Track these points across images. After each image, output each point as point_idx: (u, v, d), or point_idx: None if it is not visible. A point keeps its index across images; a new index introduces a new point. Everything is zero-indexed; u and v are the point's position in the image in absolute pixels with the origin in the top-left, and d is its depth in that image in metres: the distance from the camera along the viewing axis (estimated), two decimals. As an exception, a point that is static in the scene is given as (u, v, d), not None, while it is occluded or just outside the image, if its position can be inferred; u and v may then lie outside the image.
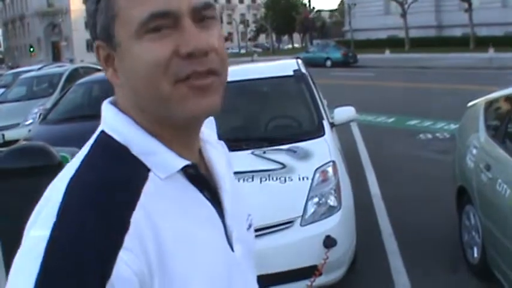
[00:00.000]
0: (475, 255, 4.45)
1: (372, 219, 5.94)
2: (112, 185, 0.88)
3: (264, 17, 78.53)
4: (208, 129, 1.11)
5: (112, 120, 0.97)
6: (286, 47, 79.93)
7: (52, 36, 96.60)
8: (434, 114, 12.24)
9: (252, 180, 4.33)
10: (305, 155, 4.60)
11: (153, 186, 0.91)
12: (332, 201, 4.21)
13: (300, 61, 6.48)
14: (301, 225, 4.05)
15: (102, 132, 0.97)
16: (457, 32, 48.25)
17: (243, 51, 76.51)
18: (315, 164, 4.47)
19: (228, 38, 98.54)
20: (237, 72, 6.83)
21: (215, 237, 0.99)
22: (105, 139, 0.95)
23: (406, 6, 46.39)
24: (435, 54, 36.42)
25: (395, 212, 6.09)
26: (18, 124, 11.45)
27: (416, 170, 7.90)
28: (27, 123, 11.46)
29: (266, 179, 4.33)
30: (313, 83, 6.05)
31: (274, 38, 78.71)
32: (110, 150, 0.94)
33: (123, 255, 0.82)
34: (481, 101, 5.18)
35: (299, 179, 4.32)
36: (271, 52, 65.55)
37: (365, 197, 6.63)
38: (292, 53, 44.94)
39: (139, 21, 0.88)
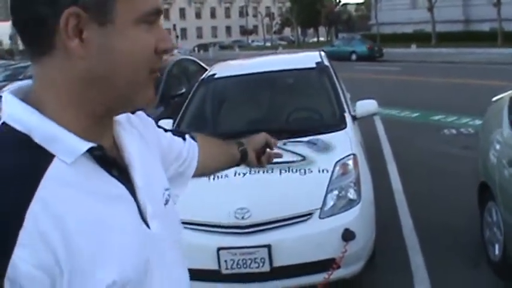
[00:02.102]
0: (497, 252, 4.39)
1: (393, 214, 5.88)
2: (4, 179, 0.87)
3: (289, 10, 78.33)
4: None
5: (13, 110, 0.94)
6: (311, 41, 79.59)
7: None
8: (459, 110, 12.07)
9: (272, 171, 4.32)
10: (325, 148, 4.58)
11: (55, 173, 0.90)
12: (352, 194, 4.18)
13: (323, 53, 6.45)
14: (320, 217, 4.02)
15: (3, 123, 0.94)
16: (485, 27, 47.52)
17: (268, 44, 76.37)
18: (335, 156, 4.45)
19: (253, 31, 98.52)
20: (259, 63, 6.83)
21: (126, 214, 1.00)
22: (7, 130, 0.93)
23: (433, 0, 45.80)
24: (462, 49, 35.89)
25: (417, 208, 6.03)
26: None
27: (440, 166, 7.81)
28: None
29: (286, 171, 4.32)
30: (336, 76, 6.01)
31: (299, 31, 78.43)
32: (10, 141, 0.92)
33: (18, 252, 0.82)
34: (505, 95, 5.10)
35: (319, 171, 4.30)
36: (296, 45, 65.36)
37: (386, 191, 6.58)
38: (317, 46, 44.65)
39: (144, 11, 0.95)
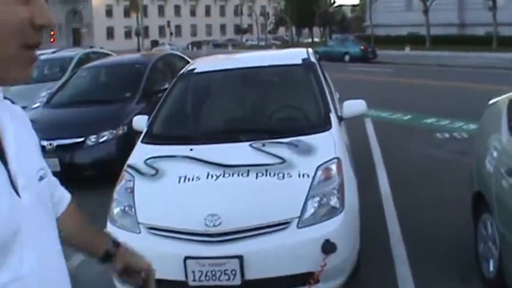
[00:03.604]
0: (491, 268, 4.01)
1: (380, 222, 5.53)
2: None
3: (284, 9, 78.04)
4: None
5: None
6: (305, 41, 79.26)
7: (73, 23, 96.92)
8: (452, 113, 11.74)
9: (247, 175, 3.95)
10: (307, 150, 4.21)
11: None
12: (334, 202, 3.81)
13: (310, 50, 6.10)
14: (298, 227, 3.66)
15: None
16: (480, 31, 47.29)
17: (262, 43, 76.02)
18: (317, 160, 4.08)
19: (248, 30, 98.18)
20: (243, 59, 6.48)
21: None
22: None
23: (428, 2, 45.55)
24: (456, 53, 35.67)
25: (406, 215, 5.67)
26: (25, 107, 11.18)
27: (431, 171, 7.45)
28: (34, 106, 11.19)
29: (263, 175, 3.95)
30: (324, 74, 5.66)
31: (294, 31, 78.14)
32: None
33: None
34: (503, 98, 4.72)
35: (299, 175, 3.93)
36: (290, 45, 64.94)
37: (374, 197, 6.23)
38: (311, 46, 44.26)
39: None
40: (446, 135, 9.94)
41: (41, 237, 1.12)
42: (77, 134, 7.71)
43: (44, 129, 8.13)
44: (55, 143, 7.58)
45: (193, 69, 5.76)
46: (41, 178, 1.19)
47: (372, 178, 7.00)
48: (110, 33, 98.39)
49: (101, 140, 7.71)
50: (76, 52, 15.39)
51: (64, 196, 1.58)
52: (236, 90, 5.61)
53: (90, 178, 7.55)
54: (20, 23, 0.95)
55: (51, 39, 68.33)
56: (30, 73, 1.03)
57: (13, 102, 1.22)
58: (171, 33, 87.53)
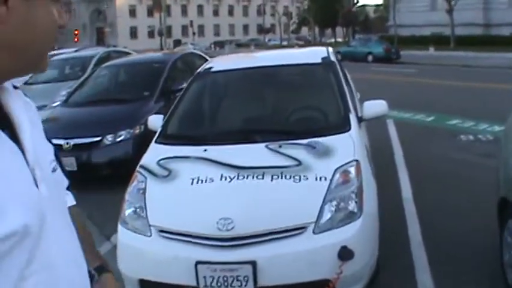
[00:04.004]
0: (517, 278, 3.83)
1: (401, 227, 5.34)
2: None
3: (307, 9, 77.73)
4: None
5: None
6: (328, 41, 78.88)
7: (97, 23, 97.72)
8: (477, 115, 11.43)
9: (262, 177, 3.81)
10: (325, 152, 4.06)
11: None
12: (352, 206, 3.65)
13: (330, 49, 5.94)
14: (314, 232, 3.51)
15: None
16: (505, 31, 46.49)
17: (284, 43, 75.77)
18: (335, 162, 3.92)
19: (271, 29, 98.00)
20: (261, 57, 6.35)
21: (20, 169, 1.04)
22: None
23: (453, 2, 44.91)
24: (481, 53, 35.04)
25: (428, 220, 5.47)
26: (45, 106, 11.20)
27: (455, 174, 7.22)
28: (54, 105, 11.20)
29: (278, 177, 3.80)
30: (344, 73, 5.50)
31: (316, 31, 77.79)
32: None
33: None
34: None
35: (316, 178, 3.78)
36: (313, 45, 64.63)
37: (395, 200, 6.04)
38: (333, 46, 43.97)
39: None
40: (471, 137, 9.66)
41: (61, 228, 1.15)
42: (94, 133, 7.65)
43: (61, 128, 8.10)
44: (72, 142, 7.53)
45: (210, 68, 5.65)
46: (54, 169, 1.21)
47: (393, 180, 6.81)
48: (133, 32, 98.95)
49: (118, 139, 7.63)
50: (97, 51, 15.38)
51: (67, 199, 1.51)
52: (253, 90, 5.48)
53: (106, 177, 7.48)
54: (56, 22, 1.09)
55: (75, 39, 69.00)
56: (48, 63, 1.14)
57: (24, 95, 1.24)
58: (194, 33, 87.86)
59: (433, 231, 5.19)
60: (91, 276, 1.44)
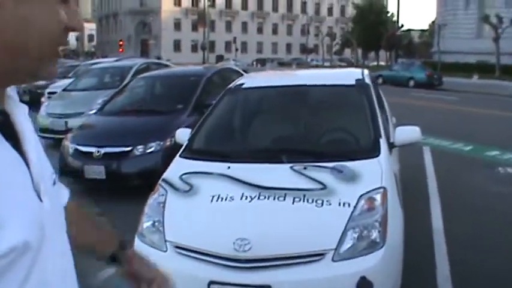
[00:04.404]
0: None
1: (429, 258, 5.13)
2: None
3: (350, 31, 77.52)
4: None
5: None
6: (371, 64, 78.44)
7: (142, 35, 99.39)
8: (517, 147, 11.10)
9: (284, 199, 3.69)
10: (352, 177, 3.91)
11: None
12: (375, 235, 3.49)
13: (366, 71, 5.80)
14: (333, 260, 3.36)
15: None
16: (554, 62, 45.43)
17: (326, 63, 75.60)
18: (361, 188, 3.78)
19: (314, 50, 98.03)
20: (294, 76, 6.24)
21: (23, 181, 1.00)
22: None
23: (499, 30, 44.16)
24: (527, 84, 34.33)
25: (458, 254, 5.24)
26: (82, 113, 11.34)
27: (490, 208, 6.93)
28: (91, 112, 11.33)
29: (300, 200, 3.67)
30: (379, 97, 5.36)
31: (360, 54, 77.44)
32: None
33: None
34: None
35: (339, 204, 3.63)
36: (355, 67, 64.23)
37: (425, 231, 5.83)
38: (375, 69, 43.68)
39: None
40: (510, 170, 9.34)
41: (58, 243, 1.11)
42: (125, 142, 7.65)
43: (93, 135, 8.15)
44: (102, 150, 7.54)
45: (242, 84, 5.57)
46: (54, 182, 1.17)
47: (424, 210, 6.59)
48: (177, 45, 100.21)
49: (148, 150, 7.60)
50: (136, 62, 15.53)
51: (62, 192, 1.44)
52: (283, 109, 5.38)
53: (134, 188, 7.45)
54: (60, 23, 0.99)
55: (120, 49, 70.21)
56: (56, 69, 1.07)
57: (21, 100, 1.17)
58: (237, 49, 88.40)
59: (462, 266, 4.96)
60: (116, 259, 1.55)
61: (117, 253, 1.55)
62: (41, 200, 1.03)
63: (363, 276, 3.26)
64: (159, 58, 54.35)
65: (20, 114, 1.09)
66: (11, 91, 1.09)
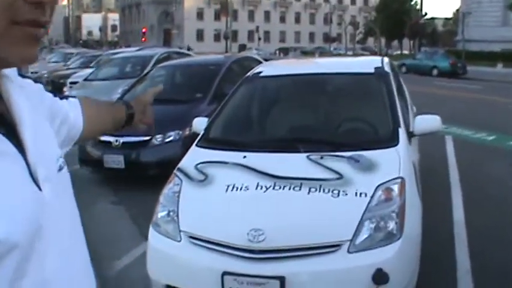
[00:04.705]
0: None
1: (448, 251, 5.03)
2: None
3: (373, 20, 76.81)
4: None
5: None
6: (395, 53, 77.69)
7: (164, 24, 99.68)
8: (542, 137, 10.87)
9: (300, 189, 3.63)
10: (369, 167, 3.83)
11: None
12: (391, 226, 3.42)
13: (386, 59, 5.69)
14: (348, 251, 3.30)
15: None
16: None
17: (349, 52, 75.07)
18: (378, 178, 3.70)
19: (337, 38, 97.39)
20: (312, 65, 6.17)
21: (14, 172, 0.92)
22: None
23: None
24: (553, 73, 33.69)
25: (479, 247, 5.12)
26: (103, 103, 11.37)
27: (513, 199, 6.81)
28: (112, 102, 11.37)
29: (316, 190, 3.61)
30: (399, 85, 5.27)
31: (383, 42, 76.73)
32: None
33: None
34: None
35: (356, 194, 3.56)
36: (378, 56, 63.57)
37: (445, 222, 5.72)
38: (399, 58, 43.20)
39: None
40: (533, 160, 9.17)
41: (64, 237, 1.03)
42: (144, 132, 7.63)
43: (112, 125, 8.15)
44: (122, 139, 7.54)
45: (260, 72, 5.51)
46: (61, 168, 1.09)
47: (445, 201, 6.47)
48: (200, 35, 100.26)
49: (167, 140, 7.59)
50: (157, 51, 15.54)
51: (75, 107, 1.47)
52: (301, 97, 5.31)
53: (153, 178, 7.45)
54: None
55: (143, 39, 70.45)
56: (31, 53, 0.91)
57: (24, 76, 1.11)
58: (259, 38, 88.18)
59: (484, 261, 4.84)
60: (131, 116, 1.79)
61: (130, 112, 1.78)
62: (40, 189, 0.96)
63: (379, 268, 3.18)
64: (189, 49, 53.73)
65: (17, 94, 1.01)
66: (8, 71, 1.01)
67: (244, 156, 4.13)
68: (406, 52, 72.99)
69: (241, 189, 3.73)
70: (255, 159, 4.08)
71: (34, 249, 0.93)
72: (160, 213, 3.90)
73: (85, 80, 14.05)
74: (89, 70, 15.96)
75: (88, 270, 1.14)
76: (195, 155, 4.45)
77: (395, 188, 3.63)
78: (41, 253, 0.95)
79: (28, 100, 1.05)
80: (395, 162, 3.90)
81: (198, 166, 4.14)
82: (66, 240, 1.04)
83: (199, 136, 4.81)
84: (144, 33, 71.95)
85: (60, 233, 1.01)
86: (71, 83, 15.71)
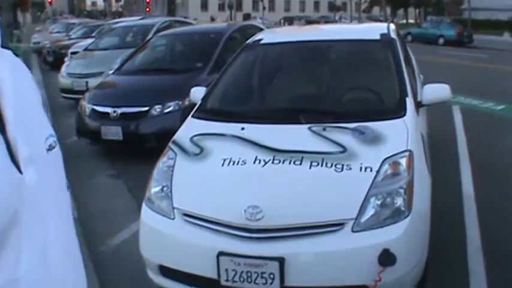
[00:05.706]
0: None
1: (458, 226, 4.82)
2: None
3: (379, -12, 75.85)
4: None
5: None
6: (400, 22, 76.78)
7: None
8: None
9: (300, 163, 3.39)
10: (375, 139, 3.60)
11: None
12: (399, 203, 3.19)
13: (392, 26, 5.40)
14: (353, 230, 3.07)
15: None
16: None
17: (355, 21, 74.22)
18: (385, 152, 3.46)
19: (342, 8, 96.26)
20: (315, 32, 5.89)
21: None
22: None
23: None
24: (562, 41, 33.20)
25: (489, 220, 4.92)
26: (102, 73, 11.12)
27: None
28: (111, 72, 11.11)
29: (318, 164, 3.37)
30: (406, 53, 5.00)
31: (388, 11, 75.83)
32: None
33: None
34: None
35: (361, 169, 3.32)
36: (383, 25, 62.78)
37: (454, 196, 5.50)
38: (404, 27, 42.63)
39: None
40: (544, 129, 8.90)
41: (48, 227, 0.91)
42: (142, 102, 7.41)
43: (110, 96, 7.93)
44: (119, 110, 7.33)
45: (260, 39, 5.24)
46: (51, 147, 0.98)
47: (453, 174, 6.24)
48: (204, 4, 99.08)
49: (166, 110, 7.36)
50: (158, 20, 15.20)
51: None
52: (302, 66, 5.05)
53: (152, 150, 7.24)
54: None
55: (147, 9, 69.70)
56: None
57: (16, 55, 1.02)
58: (264, 8, 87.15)
59: (495, 236, 4.63)
60: None
61: None
62: (19, 170, 0.86)
63: (385, 249, 2.96)
64: (185, 18, 52.81)
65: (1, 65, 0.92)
66: None
67: (243, 128, 3.90)
68: (411, 21, 72.15)
69: (238, 163, 3.50)
70: (254, 131, 3.85)
71: (7, 239, 0.82)
72: (154, 189, 3.69)
73: (85, 49, 13.77)
74: (91, 40, 15.66)
75: (76, 268, 1.01)
76: (191, 127, 4.23)
77: (403, 161, 3.39)
78: (16, 245, 0.83)
79: (14, 73, 0.96)
80: (402, 134, 3.66)
81: (194, 139, 3.92)
82: (50, 231, 0.92)
83: (196, 107, 4.57)
84: (148, 3, 71.07)
85: (43, 222, 0.90)
86: (72, 53, 15.43)
